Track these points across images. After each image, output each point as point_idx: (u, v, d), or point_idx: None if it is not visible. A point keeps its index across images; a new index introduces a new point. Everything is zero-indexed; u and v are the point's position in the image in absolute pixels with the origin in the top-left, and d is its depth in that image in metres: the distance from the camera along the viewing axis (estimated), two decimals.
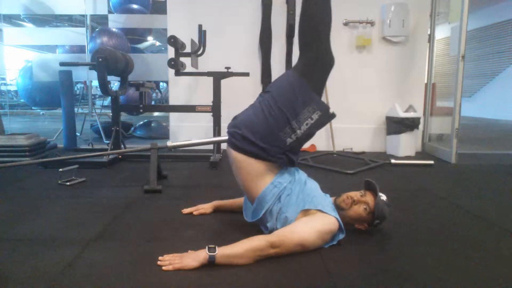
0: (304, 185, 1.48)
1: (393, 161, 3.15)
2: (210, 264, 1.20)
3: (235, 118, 1.52)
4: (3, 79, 9.76)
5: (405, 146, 3.57)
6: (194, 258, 1.21)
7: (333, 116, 1.47)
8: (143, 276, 1.16)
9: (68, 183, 2.29)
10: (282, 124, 1.39)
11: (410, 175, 2.80)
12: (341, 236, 1.42)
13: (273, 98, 1.42)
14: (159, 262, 1.23)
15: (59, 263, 1.24)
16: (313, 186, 1.52)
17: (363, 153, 3.73)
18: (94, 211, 1.82)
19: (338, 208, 1.46)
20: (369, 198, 1.46)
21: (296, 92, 1.40)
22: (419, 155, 3.66)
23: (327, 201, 1.47)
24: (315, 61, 1.43)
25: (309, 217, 1.36)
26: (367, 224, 1.49)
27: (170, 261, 1.22)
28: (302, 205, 1.40)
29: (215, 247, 1.22)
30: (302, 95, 1.39)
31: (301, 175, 1.54)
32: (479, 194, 2.28)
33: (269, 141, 1.39)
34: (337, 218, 1.39)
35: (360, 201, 1.46)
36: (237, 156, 1.44)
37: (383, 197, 1.49)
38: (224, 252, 1.22)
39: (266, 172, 1.42)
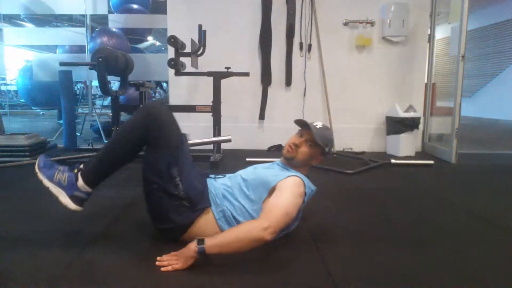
0: (244, 183, 1.43)
1: (393, 161, 3.15)
2: (202, 255, 1.16)
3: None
4: (3, 79, 9.75)
5: (405, 146, 3.57)
6: (186, 254, 1.20)
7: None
8: (143, 276, 1.16)
9: None
10: (168, 199, 1.35)
11: (410, 175, 2.80)
12: (313, 188, 1.44)
13: (146, 185, 1.45)
14: (157, 263, 1.23)
15: (59, 263, 1.24)
16: (255, 172, 1.48)
17: (363, 153, 3.73)
18: (94, 211, 1.82)
19: (288, 160, 1.47)
20: (306, 134, 1.46)
21: (160, 162, 1.38)
22: (419, 155, 3.65)
23: (275, 169, 1.47)
24: (151, 132, 1.38)
25: (274, 193, 1.34)
26: (320, 156, 1.49)
27: (169, 262, 1.22)
28: (260, 199, 1.36)
29: (203, 239, 1.19)
30: (159, 161, 1.37)
31: (232, 178, 1.49)
32: (479, 194, 2.28)
33: (176, 216, 1.35)
34: (294, 175, 1.39)
35: (301, 142, 1.46)
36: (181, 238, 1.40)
37: (318, 124, 1.48)
38: (214, 241, 1.18)
39: (202, 225, 1.38)
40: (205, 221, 1.38)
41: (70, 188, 1.36)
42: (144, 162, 1.42)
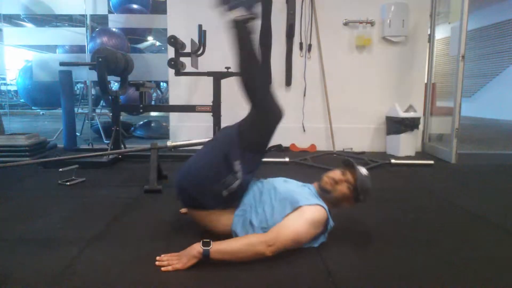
0: (273, 191, 1.44)
1: (393, 161, 3.15)
2: (205, 258, 1.19)
3: (182, 168, 1.49)
4: (3, 79, 9.76)
5: (405, 146, 3.57)
6: (189, 253, 1.21)
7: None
8: (143, 276, 1.16)
9: (68, 183, 2.29)
10: (216, 179, 1.36)
11: (410, 175, 2.80)
12: (332, 224, 1.42)
13: (212, 152, 1.44)
14: (157, 263, 1.23)
15: (59, 263, 1.24)
16: (284, 185, 1.49)
17: (363, 153, 3.73)
18: (94, 211, 1.82)
19: (323, 191, 1.46)
20: (350, 175, 1.46)
21: (231, 150, 1.39)
22: (419, 155, 3.66)
23: (306, 192, 1.45)
24: (258, 119, 1.44)
25: (295, 213, 1.34)
26: (353, 200, 1.49)
27: (168, 261, 1.22)
28: (282, 212, 1.36)
29: (209, 242, 1.20)
30: (236, 152, 1.38)
31: (266, 184, 1.50)
32: (479, 194, 2.28)
33: (207, 194, 1.37)
34: (321, 205, 1.37)
35: (342, 181, 1.45)
36: (189, 210, 1.48)
37: (363, 170, 1.48)
38: (219, 247, 1.20)
39: (221, 212, 1.41)
40: (225, 214, 1.40)
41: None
42: (228, 134, 1.44)
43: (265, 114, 1.44)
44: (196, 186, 1.39)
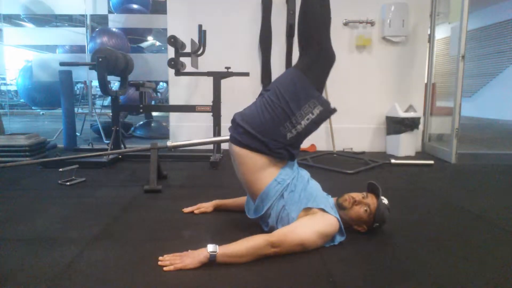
0: (307, 183, 1.49)
1: (393, 161, 3.15)
2: (211, 263, 1.21)
3: (237, 114, 1.52)
4: (3, 79, 9.75)
5: (405, 146, 3.58)
6: (194, 257, 1.22)
7: (334, 111, 1.48)
8: (143, 276, 1.16)
9: (68, 183, 2.29)
10: (283, 119, 1.40)
11: (410, 175, 2.80)
12: (342, 239, 1.43)
13: (275, 95, 1.43)
14: (159, 263, 1.23)
15: (59, 263, 1.24)
16: (315, 185, 1.54)
17: (363, 153, 3.73)
18: (94, 211, 1.82)
19: (340, 207, 1.47)
20: (370, 200, 1.48)
21: (297, 88, 1.41)
22: (419, 155, 3.65)
23: (329, 201, 1.48)
24: (316, 59, 1.46)
25: (310, 216, 1.37)
26: (366, 226, 1.50)
27: (170, 261, 1.22)
28: (305, 203, 1.41)
29: (216, 246, 1.22)
30: (303, 91, 1.41)
31: (304, 173, 1.56)
32: (479, 194, 2.28)
33: (270, 135, 1.40)
34: (337, 219, 1.39)
35: (362, 202, 1.46)
36: (238, 151, 1.44)
37: (385, 200, 1.50)
38: (225, 251, 1.22)
39: (268, 167, 1.43)
40: (270, 169, 1.43)
41: None
42: (284, 92, 1.43)
43: (325, 51, 1.46)
44: (262, 127, 1.40)
